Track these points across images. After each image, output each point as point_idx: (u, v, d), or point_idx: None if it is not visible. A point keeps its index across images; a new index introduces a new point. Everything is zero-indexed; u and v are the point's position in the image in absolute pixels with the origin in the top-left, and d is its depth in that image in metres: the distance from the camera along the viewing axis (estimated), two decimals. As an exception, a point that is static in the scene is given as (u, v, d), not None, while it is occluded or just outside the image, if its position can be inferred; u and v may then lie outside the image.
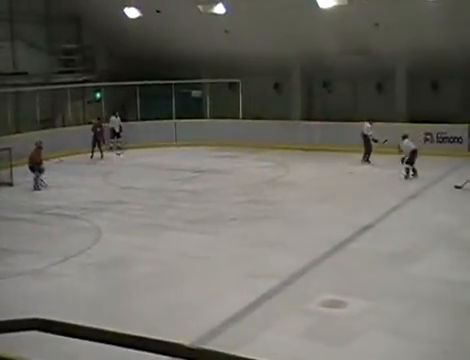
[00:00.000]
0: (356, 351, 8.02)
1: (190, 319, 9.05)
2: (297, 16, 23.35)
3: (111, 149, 25.72)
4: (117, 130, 25.94)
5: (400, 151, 19.14)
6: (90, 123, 25.37)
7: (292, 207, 16.05)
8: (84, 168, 22.62)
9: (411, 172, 18.78)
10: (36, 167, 18.97)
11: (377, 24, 22.60)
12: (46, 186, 18.92)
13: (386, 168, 20.74)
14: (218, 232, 13.85)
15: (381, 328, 8.66)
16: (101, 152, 24.56)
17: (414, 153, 18.72)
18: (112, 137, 25.96)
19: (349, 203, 16.20)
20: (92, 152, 24.36)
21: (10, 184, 19.35)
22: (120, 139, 25.96)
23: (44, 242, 13.51)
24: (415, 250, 12.10)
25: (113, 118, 26.03)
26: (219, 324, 8.77)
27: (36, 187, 18.80)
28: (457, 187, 17.08)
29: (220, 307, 9.49)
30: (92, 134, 24.52)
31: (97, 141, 24.52)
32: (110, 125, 25.84)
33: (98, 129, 24.68)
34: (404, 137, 19.20)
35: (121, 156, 25.16)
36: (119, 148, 25.80)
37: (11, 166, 19.40)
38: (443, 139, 22.94)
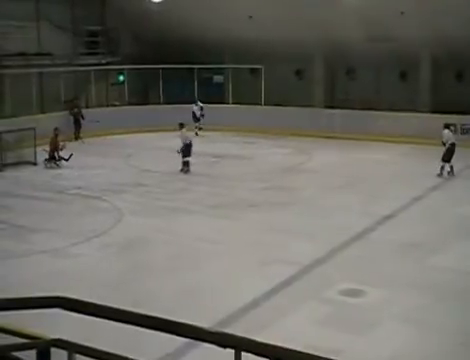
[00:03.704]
0: (373, 340, 8.03)
1: (209, 303, 9.12)
2: (321, 2, 23.18)
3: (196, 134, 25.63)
4: (197, 115, 25.73)
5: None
6: (66, 102, 25.01)
7: (312, 195, 16.02)
8: (105, 150, 22.75)
9: (184, 167, 18.47)
10: (55, 152, 19.44)
11: (402, 12, 22.33)
12: (59, 166, 19.44)
13: (408, 157, 20.62)
14: (238, 217, 13.89)
15: (399, 318, 8.64)
16: (79, 135, 24.14)
17: (189, 146, 18.41)
18: (195, 121, 25.71)
19: (370, 192, 16.12)
20: (74, 134, 24.08)
21: (34, 163, 19.61)
22: (198, 124, 25.67)
23: (65, 222, 13.68)
24: (435, 241, 12.04)
25: (194, 105, 25.85)
26: (238, 309, 8.83)
27: (52, 166, 19.40)
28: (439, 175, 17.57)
29: (239, 292, 9.54)
30: (72, 116, 24.31)
31: (77, 122, 24.26)
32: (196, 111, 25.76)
33: (75, 109, 24.50)
34: (181, 125, 18.83)
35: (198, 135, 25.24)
36: (199, 129, 25.61)
37: (35, 145, 19.64)
38: (467, 130, 22.68)
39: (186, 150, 18.46)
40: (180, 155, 18.43)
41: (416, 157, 20.75)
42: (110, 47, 27.88)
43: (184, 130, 18.83)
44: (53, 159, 19.54)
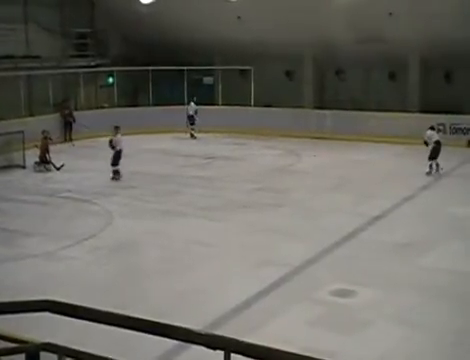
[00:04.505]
0: (365, 340, 8.04)
1: (200, 305, 9.11)
2: (310, 3, 23.23)
3: (192, 136, 25.58)
4: (191, 113, 25.59)
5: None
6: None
7: (303, 196, 16.04)
8: (95, 152, 22.68)
9: (115, 175, 17.72)
10: (47, 154, 19.39)
11: (391, 14, 22.44)
12: (50, 170, 19.34)
13: (398, 157, 20.70)
14: (229, 219, 13.88)
15: (390, 318, 8.66)
16: (70, 137, 24.22)
17: (119, 154, 17.73)
18: (191, 123, 25.64)
19: (360, 193, 16.15)
20: (65, 136, 24.18)
21: (23, 167, 19.52)
22: (193, 126, 25.57)
23: (56, 225, 13.62)
24: (426, 241, 12.08)
25: (192, 104, 25.78)
26: (229, 310, 8.82)
27: (41, 169, 19.27)
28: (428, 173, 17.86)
29: (230, 294, 9.53)
30: (63, 118, 24.43)
31: (68, 124, 24.35)
32: (189, 111, 25.63)
33: (67, 111, 24.53)
34: (116, 129, 18.15)
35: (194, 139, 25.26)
36: (192, 129, 25.49)
37: (24, 149, 19.57)
38: (456, 130, 22.82)
39: (116, 158, 17.72)
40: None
41: (406, 157, 20.83)
42: (99, 49, 27.80)
43: (119, 135, 18.05)
44: (43, 162, 19.44)
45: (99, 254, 11.73)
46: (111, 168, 17.83)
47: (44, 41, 25.13)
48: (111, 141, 18.03)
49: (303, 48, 25.59)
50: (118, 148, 17.83)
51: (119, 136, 18.11)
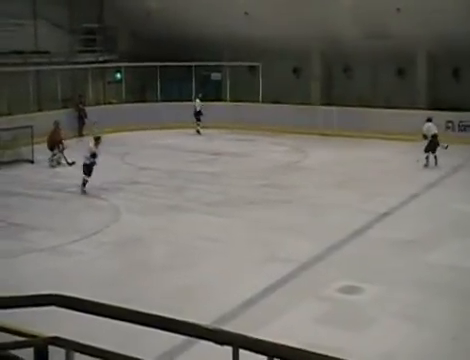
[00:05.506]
0: (371, 337, 8.04)
1: (206, 301, 9.13)
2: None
3: (198, 132, 25.60)
4: (199, 109, 25.59)
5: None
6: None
7: (309, 192, 16.02)
8: (102, 148, 22.65)
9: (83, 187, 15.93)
10: (56, 146, 19.33)
11: (398, 9, 22.35)
12: (61, 164, 19.19)
13: (405, 155, 20.63)
14: (235, 215, 13.88)
15: (397, 315, 8.66)
16: (81, 133, 24.11)
17: (92, 165, 16.15)
18: (197, 119, 25.63)
19: (367, 190, 16.12)
20: (79, 132, 24.19)
21: (31, 161, 19.59)
22: (199, 122, 25.56)
23: (63, 220, 13.67)
24: (432, 238, 12.05)
25: (197, 100, 25.78)
26: (235, 306, 8.83)
27: (53, 164, 19.19)
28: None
29: (237, 290, 9.54)
30: (77, 113, 24.52)
31: (81, 119, 24.43)
32: (197, 107, 25.62)
33: (81, 106, 24.66)
34: (97, 140, 16.55)
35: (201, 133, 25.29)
36: (198, 125, 25.52)
37: (32, 144, 19.64)
38: (465, 127, 22.71)
39: (90, 168, 16.18)
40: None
41: (413, 154, 20.71)
42: (107, 45, 27.81)
43: (90, 144, 16.49)
44: (51, 151, 19.33)
45: (106, 249, 11.77)
46: (86, 177, 16.05)
47: (53, 37, 25.19)
48: (94, 154, 16.30)
49: (311, 44, 25.50)
50: (96, 159, 16.36)
51: (90, 144, 16.57)
